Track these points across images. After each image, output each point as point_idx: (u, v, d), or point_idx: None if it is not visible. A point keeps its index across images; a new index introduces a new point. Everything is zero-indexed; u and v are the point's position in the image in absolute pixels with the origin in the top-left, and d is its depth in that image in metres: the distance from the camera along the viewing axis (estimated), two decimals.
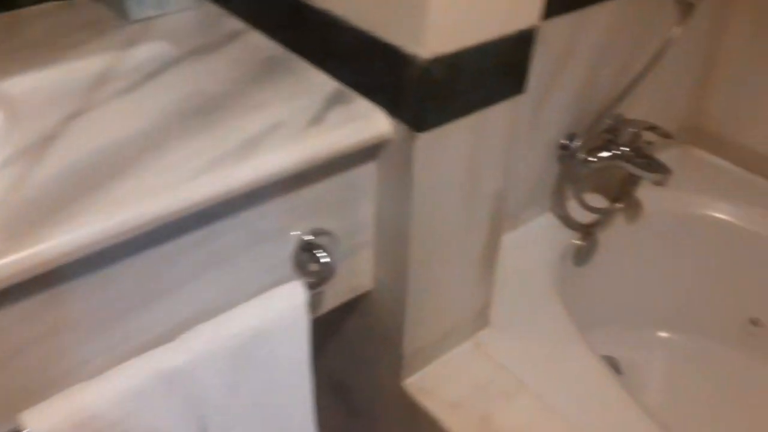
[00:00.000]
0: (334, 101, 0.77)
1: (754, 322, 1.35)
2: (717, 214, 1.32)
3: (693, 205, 1.34)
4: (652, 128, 1.15)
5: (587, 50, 1.09)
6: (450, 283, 0.91)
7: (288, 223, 0.77)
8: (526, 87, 0.80)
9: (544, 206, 1.22)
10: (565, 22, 1.02)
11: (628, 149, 1.16)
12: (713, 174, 1.41)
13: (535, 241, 1.18)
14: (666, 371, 1.38)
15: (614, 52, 1.13)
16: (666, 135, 1.15)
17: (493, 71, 0.76)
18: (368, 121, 0.76)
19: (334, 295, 0.87)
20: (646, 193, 1.28)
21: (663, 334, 1.41)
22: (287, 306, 0.77)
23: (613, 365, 1.34)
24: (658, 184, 1.15)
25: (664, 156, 1.23)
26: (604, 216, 1.24)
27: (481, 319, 0.99)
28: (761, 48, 1.31)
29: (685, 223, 1.34)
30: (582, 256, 1.25)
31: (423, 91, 0.71)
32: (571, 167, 1.15)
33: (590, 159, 1.15)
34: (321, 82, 0.81)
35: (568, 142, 1.14)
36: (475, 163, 0.81)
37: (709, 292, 1.37)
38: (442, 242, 0.85)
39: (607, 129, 1.17)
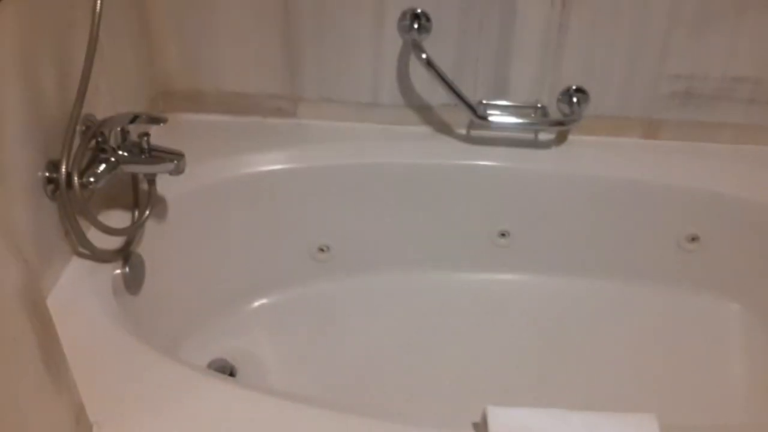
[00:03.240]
0: None
1: (323, 249, 1.36)
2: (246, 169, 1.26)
3: (226, 167, 1.26)
4: (136, 118, 1.00)
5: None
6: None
7: None
8: None
9: (65, 254, 0.99)
10: None
11: (123, 152, 0.99)
12: (213, 131, 1.33)
13: (75, 298, 0.95)
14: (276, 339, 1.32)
15: (48, 52, 0.93)
16: (155, 120, 1.01)
17: None
18: None
19: None
20: (166, 183, 1.14)
21: (253, 305, 1.34)
22: None
23: (226, 368, 1.23)
24: (178, 172, 1.02)
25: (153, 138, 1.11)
26: (136, 229, 1.07)
27: (81, 425, 0.76)
28: None
29: (220, 189, 1.25)
30: (133, 281, 1.07)
31: None
32: (71, 199, 0.94)
33: (90, 180, 0.95)
34: None
35: (52, 174, 0.92)
36: None
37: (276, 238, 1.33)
38: None
39: (89, 138, 0.97)
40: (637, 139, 1.38)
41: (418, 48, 1.24)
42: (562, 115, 1.33)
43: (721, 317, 1.37)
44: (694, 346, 1.35)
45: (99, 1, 0.95)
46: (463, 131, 1.36)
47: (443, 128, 1.37)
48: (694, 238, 1.34)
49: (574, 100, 1.32)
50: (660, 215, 1.34)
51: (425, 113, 1.37)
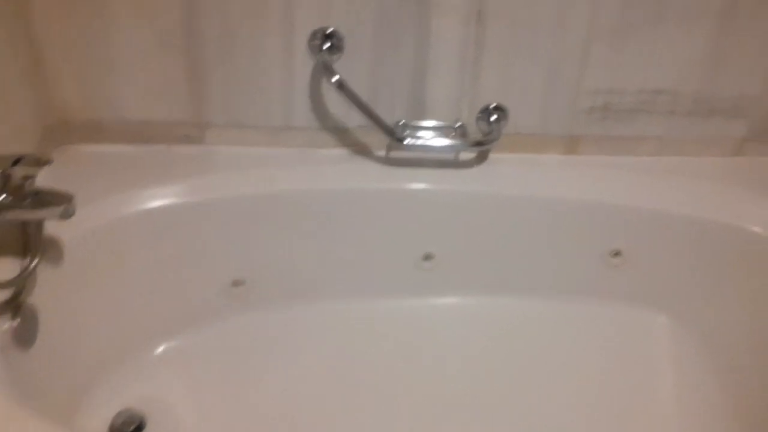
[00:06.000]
0: None
1: (237, 284, 1.29)
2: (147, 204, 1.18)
3: (126, 203, 1.17)
4: (19, 160, 0.90)
5: None
6: None
7: None
8: None
9: None
10: None
11: (5, 196, 0.90)
12: (114, 163, 1.24)
13: None
14: (188, 383, 1.24)
15: None
16: (40, 161, 0.92)
17: None
18: None
19: None
20: (59, 225, 1.04)
21: (161, 349, 1.25)
22: None
23: (134, 418, 1.15)
24: (66, 217, 0.93)
25: (49, 173, 1.02)
26: (25, 279, 0.97)
27: None
28: (69, 18, 1.15)
29: (119, 227, 1.16)
30: (24, 335, 0.98)
31: None
32: None
33: None
34: None
35: None
36: None
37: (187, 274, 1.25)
38: None
39: None
40: (558, 156, 1.35)
41: (329, 70, 1.18)
42: (482, 134, 1.30)
43: (649, 330, 1.37)
44: (624, 360, 1.35)
45: None
46: (381, 153, 1.31)
47: (361, 150, 1.32)
48: (617, 253, 1.33)
49: (493, 118, 1.29)
50: (582, 231, 1.32)
51: (342, 135, 1.31)
